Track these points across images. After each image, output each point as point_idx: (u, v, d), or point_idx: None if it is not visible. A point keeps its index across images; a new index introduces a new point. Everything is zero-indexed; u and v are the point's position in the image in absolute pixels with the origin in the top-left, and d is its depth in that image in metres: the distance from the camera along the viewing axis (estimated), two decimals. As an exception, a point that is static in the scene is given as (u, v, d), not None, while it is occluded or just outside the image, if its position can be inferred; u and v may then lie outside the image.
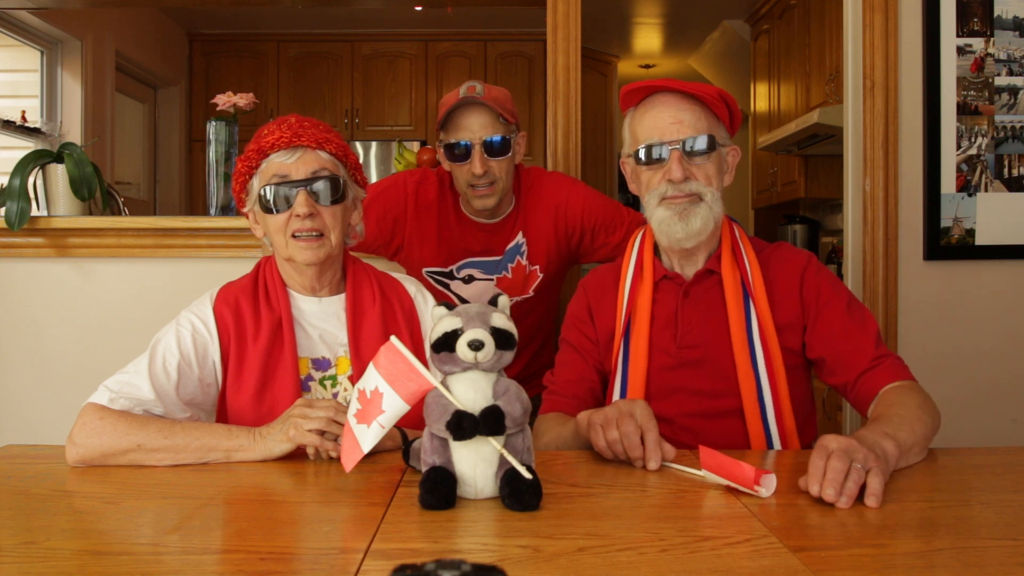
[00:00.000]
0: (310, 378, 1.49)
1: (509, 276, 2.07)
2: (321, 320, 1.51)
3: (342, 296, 1.54)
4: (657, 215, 1.49)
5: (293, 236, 1.44)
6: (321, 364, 1.50)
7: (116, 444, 1.30)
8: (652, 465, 1.23)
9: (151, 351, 1.44)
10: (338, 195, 1.46)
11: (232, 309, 1.48)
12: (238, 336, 1.46)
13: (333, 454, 1.27)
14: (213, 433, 1.32)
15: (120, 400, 1.38)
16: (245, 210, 1.52)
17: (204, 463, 1.30)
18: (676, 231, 1.47)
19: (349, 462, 1.14)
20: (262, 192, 1.44)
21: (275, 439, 1.30)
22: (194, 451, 1.30)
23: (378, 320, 1.50)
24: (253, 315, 1.47)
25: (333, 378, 1.50)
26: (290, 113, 1.51)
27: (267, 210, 1.44)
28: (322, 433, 1.28)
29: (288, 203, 1.43)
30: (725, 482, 1.13)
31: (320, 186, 1.43)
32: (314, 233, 1.44)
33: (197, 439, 1.31)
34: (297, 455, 1.31)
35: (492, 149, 1.92)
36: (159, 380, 1.40)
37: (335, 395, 1.49)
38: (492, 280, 2.07)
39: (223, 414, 1.48)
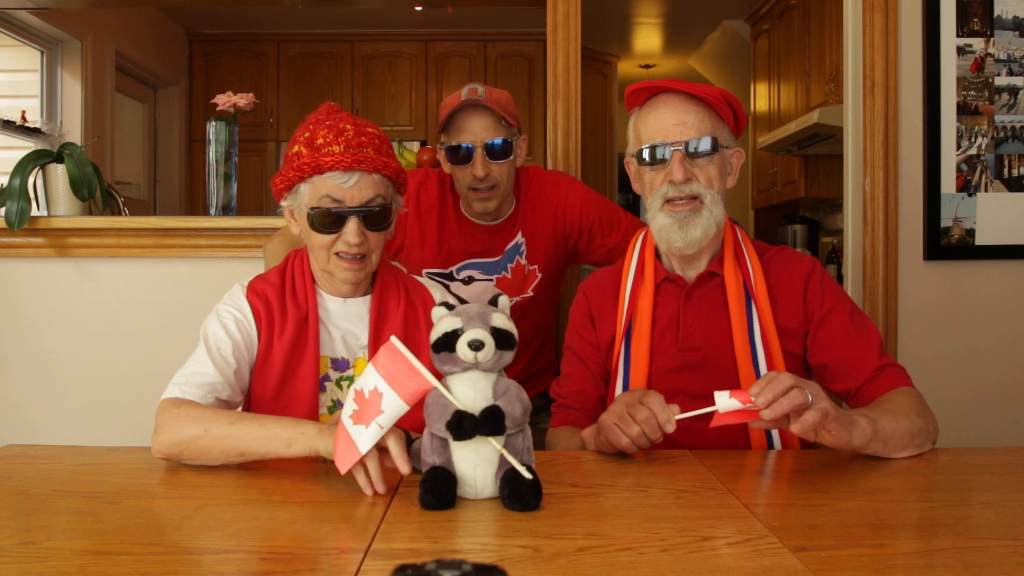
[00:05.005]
0: (327, 378, 1.48)
1: (508, 276, 2.07)
2: (345, 320, 1.51)
3: (367, 298, 1.53)
4: (658, 221, 1.49)
5: (336, 255, 1.43)
6: (340, 364, 1.49)
7: (185, 431, 1.27)
8: (669, 428, 1.22)
9: (204, 342, 1.42)
10: (387, 223, 1.45)
11: (263, 302, 1.47)
12: (268, 329, 1.46)
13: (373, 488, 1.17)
14: (278, 422, 1.27)
15: (191, 389, 1.35)
16: (284, 204, 1.49)
17: (264, 456, 1.25)
18: (676, 239, 1.47)
19: (345, 464, 1.12)
20: (312, 211, 1.41)
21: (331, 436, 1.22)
22: (256, 439, 1.24)
23: (400, 324, 1.49)
24: (280, 310, 1.47)
25: (350, 379, 1.49)
26: (342, 112, 1.46)
27: (315, 228, 1.42)
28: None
29: (337, 225, 1.41)
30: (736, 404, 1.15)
31: (372, 214, 1.42)
32: (359, 256, 1.43)
33: (261, 426, 1.26)
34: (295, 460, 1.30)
35: (493, 152, 1.92)
36: (220, 365, 1.39)
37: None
38: (492, 280, 2.07)
39: (246, 404, 1.47)
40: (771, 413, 1.12)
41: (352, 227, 1.40)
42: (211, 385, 1.37)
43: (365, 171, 1.40)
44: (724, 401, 1.16)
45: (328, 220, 1.40)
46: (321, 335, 1.48)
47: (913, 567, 0.88)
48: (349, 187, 1.39)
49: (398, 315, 1.50)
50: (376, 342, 1.48)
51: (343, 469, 1.12)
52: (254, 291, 1.49)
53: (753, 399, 1.14)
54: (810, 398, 1.15)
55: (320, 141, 1.40)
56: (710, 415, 1.19)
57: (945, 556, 0.90)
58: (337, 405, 1.48)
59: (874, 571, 0.86)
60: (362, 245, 1.42)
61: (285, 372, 1.44)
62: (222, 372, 1.39)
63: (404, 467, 1.13)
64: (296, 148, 1.43)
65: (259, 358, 1.45)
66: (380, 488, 1.13)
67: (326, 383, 1.48)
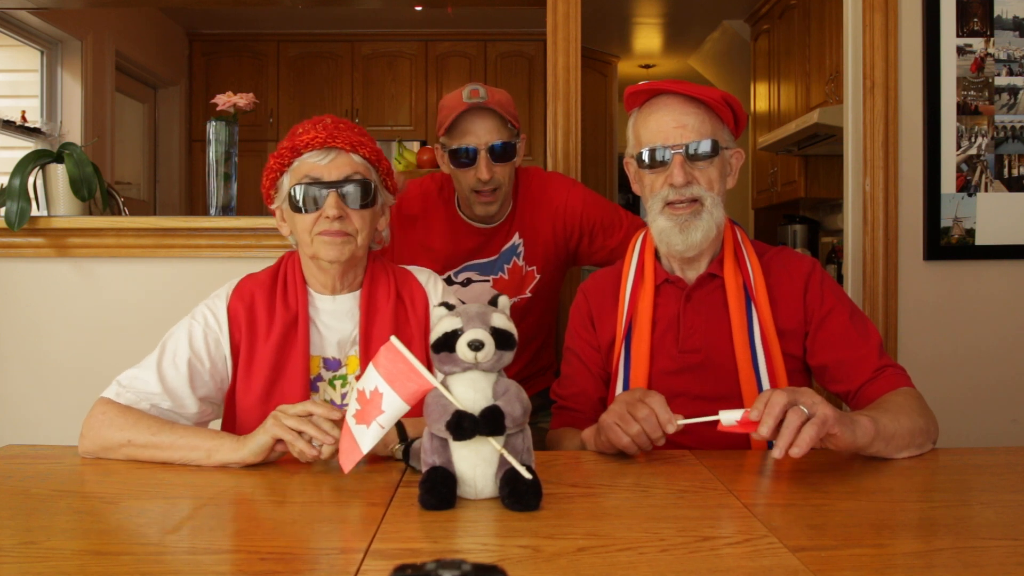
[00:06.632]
0: (320, 378, 1.48)
1: (505, 277, 2.07)
2: (336, 319, 1.50)
3: (356, 294, 1.53)
4: (658, 224, 1.49)
5: (319, 234, 1.44)
6: (331, 364, 1.49)
7: (111, 438, 1.33)
8: (671, 429, 1.24)
9: (162, 345, 1.45)
10: (368, 199, 1.45)
11: (246, 305, 1.47)
12: (249, 333, 1.46)
13: (309, 452, 1.24)
14: (197, 433, 1.33)
15: (126, 394, 1.39)
16: (273, 207, 1.52)
17: (187, 463, 1.30)
18: (676, 242, 1.47)
19: (348, 463, 1.13)
20: (292, 191, 1.43)
21: (253, 437, 1.28)
22: (178, 449, 1.31)
23: (390, 318, 1.49)
24: (267, 312, 1.47)
25: (343, 378, 1.49)
26: (325, 114, 1.50)
27: (296, 209, 1.44)
28: (300, 433, 1.25)
29: (317, 204, 1.42)
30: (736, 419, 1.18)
31: (351, 189, 1.43)
32: (341, 231, 1.43)
33: (181, 437, 1.31)
34: (293, 460, 1.30)
35: (497, 154, 1.92)
36: (167, 374, 1.41)
37: (343, 395, 1.49)
38: (488, 281, 2.07)
39: (231, 411, 1.47)
40: (779, 453, 1.13)
41: (331, 200, 1.41)
42: (148, 395, 1.40)
43: (342, 149, 1.43)
44: (729, 421, 1.18)
45: (308, 197, 1.42)
46: (312, 335, 1.48)
47: (913, 567, 0.88)
48: (326, 164, 1.42)
49: (388, 309, 1.50)
50: (367, 337, 1.48)
51: (346, 468, 1.14)
52: (240, 294, 1.49)
53: (757, 430, 1.16)
54: (805, 411, 1.15)
55: (300, 132, 1.45)
56: (711, 422, 1.20)
57: (945, 556, 0.90)
58: (331, 404, 1.47)
59: (874, 571, 0.86)
60: (343, 221, 1.42)
61: (273, 374, 1.44)
62: (166, 383, 1.41)
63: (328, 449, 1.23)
64: (279, 149, 1.47)
65: (241, 363, 1.46)
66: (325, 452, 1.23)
67: (319, 383, 1.48)
